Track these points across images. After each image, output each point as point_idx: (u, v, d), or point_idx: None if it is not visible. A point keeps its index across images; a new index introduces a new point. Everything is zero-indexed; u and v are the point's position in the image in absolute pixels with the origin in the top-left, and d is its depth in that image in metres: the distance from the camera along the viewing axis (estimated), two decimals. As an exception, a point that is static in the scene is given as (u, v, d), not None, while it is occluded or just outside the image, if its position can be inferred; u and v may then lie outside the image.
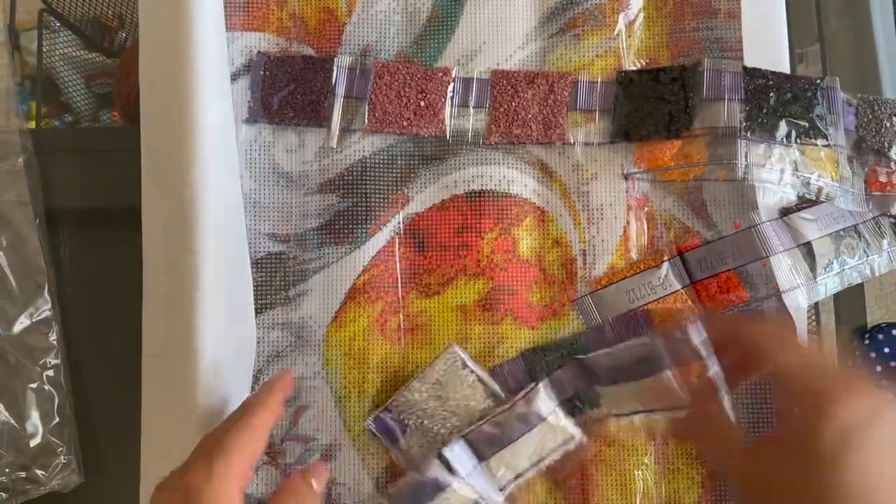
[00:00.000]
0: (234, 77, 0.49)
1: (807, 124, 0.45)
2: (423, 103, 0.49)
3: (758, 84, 0.45)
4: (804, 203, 0.46)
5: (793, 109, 0.45)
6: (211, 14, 0.46)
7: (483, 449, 0.46)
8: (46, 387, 0.50)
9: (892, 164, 0.47)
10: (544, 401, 0.46)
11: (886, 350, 0.51)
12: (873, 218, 0.47)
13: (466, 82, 0.49)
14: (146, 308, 0.45)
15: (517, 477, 0.46)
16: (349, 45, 0.50)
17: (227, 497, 0.35)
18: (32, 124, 0.68)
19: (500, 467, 0.46)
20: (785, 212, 0.46)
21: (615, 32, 0.50)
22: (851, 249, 0.45)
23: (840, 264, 0.45)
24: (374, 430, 0.47)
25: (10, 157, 0.51)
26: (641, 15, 0.50)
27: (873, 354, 0.51)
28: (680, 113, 0.46)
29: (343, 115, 0.49)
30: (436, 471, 0.44)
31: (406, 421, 0.46)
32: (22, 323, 0.50)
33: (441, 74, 0.49)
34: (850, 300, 0.52)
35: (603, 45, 0.50)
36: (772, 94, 0.45)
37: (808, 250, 0.45)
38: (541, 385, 0.46)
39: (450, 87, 0.49)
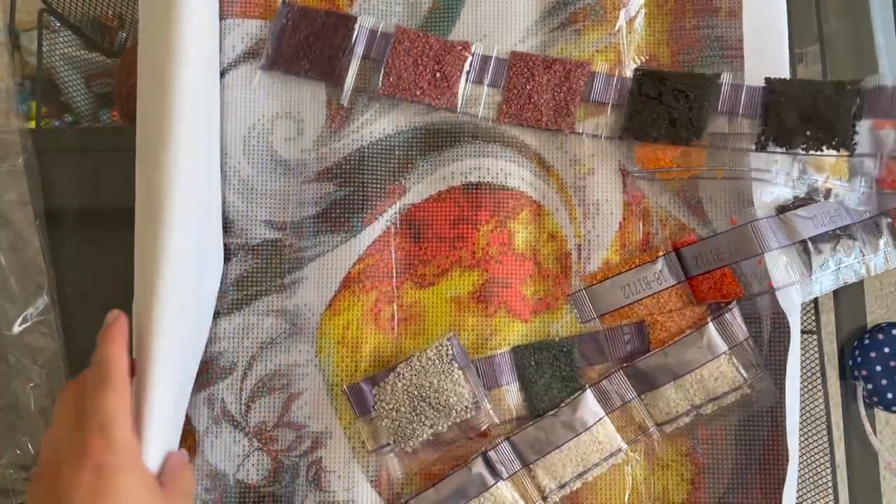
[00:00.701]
0: (236, 63, 0.50)
1: (820, 140, 0.44)
2: (438, 74, 0.49)
3: (774, 100, 0.45)
4: (801, 201, 0.46)
5: (808, 127, 0.44)
6: (199, 4, 0.46)
7: (527, 452, 0.46)
8: (46, 387, 0.50)
9: None
10: (589, 409, 0.46)
11: (886, 350, 0.51)
12: (871, 217, 0.46)
13: (485, 59, 0.49)
14: (136, 300, 0.45)
15: (561, 487, 0.46)
16: (350, 34, 0.50)
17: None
18: (32, 124, 0.69)
19: (543, 475, 0.46)
20: (781, 209, 0.46)
21: (616, 28, 0.50)
22: (848, 248, 0.45)
23: (836, 263, 0.45)
24: (348, 395, 0.46)
25: (10, 157, 0.51)
26: (642, 12, 0.50)
27: (873, 354, 0.51)
28: (692, 121, 0.46)
29: (358, 75, 0.49)
30: (480, 468, 0.45)
31: (382, 400, 0.46)
32: (22, 323, 0.50)
33: (460, 48, 0.49)
34: (850, 300, 0.52)
35: (603, 40, 0.50)
36: (787, 112, 0.44)
37: (803, 248, 0.45)
38: (587, 392, 0.46)
39: (467, 62, 0.49)
